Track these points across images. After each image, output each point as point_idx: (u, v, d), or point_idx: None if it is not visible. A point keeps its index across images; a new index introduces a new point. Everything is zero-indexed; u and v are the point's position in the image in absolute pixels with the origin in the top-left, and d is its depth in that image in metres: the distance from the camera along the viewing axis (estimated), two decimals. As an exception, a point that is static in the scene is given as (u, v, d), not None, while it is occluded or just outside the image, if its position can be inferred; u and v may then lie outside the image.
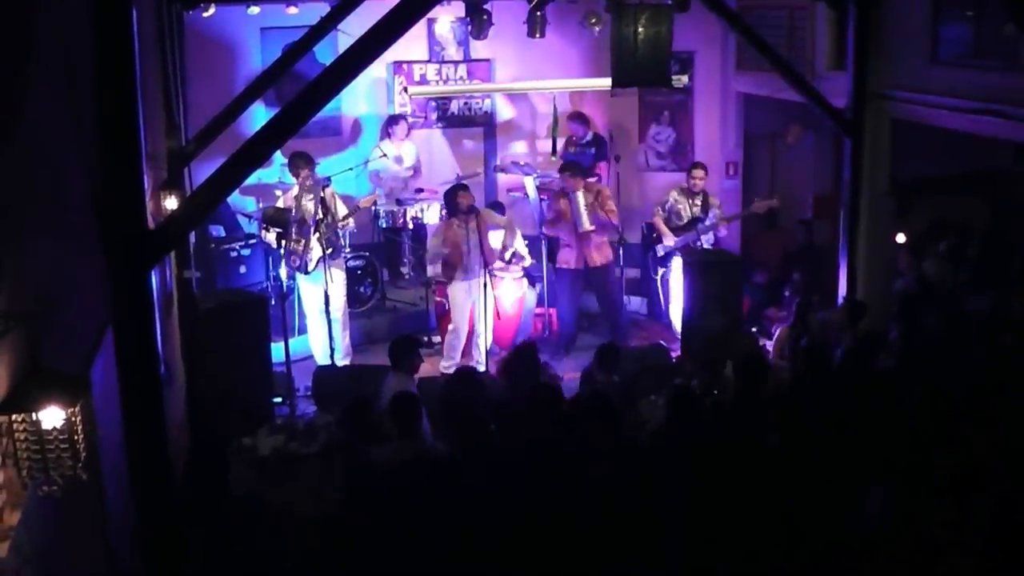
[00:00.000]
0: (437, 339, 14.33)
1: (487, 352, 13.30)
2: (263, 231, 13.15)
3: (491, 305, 13.30)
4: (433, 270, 13.46)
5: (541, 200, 15.35)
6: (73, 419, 4.93)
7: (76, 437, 4.97)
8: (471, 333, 13.47)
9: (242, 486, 8.34)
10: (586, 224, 13.77)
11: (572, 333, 14.36)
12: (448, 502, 7.46)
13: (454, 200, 13.11)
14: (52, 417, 4.88)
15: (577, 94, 16.58)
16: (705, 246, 14.47)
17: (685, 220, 14.54)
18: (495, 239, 13.64)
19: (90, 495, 5.93)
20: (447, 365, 13.25)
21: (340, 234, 13.57)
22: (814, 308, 12.53)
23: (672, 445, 8.39)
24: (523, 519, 7.28)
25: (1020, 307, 11.36)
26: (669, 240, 14.62)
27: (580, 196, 13.78)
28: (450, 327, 13.45)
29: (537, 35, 13.29)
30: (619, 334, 13.93)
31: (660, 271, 14.80)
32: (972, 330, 10.52)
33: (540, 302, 14.58)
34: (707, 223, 14.45)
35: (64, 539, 5.61)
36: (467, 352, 13.54)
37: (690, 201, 14.53)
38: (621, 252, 14.13)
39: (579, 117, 16.23)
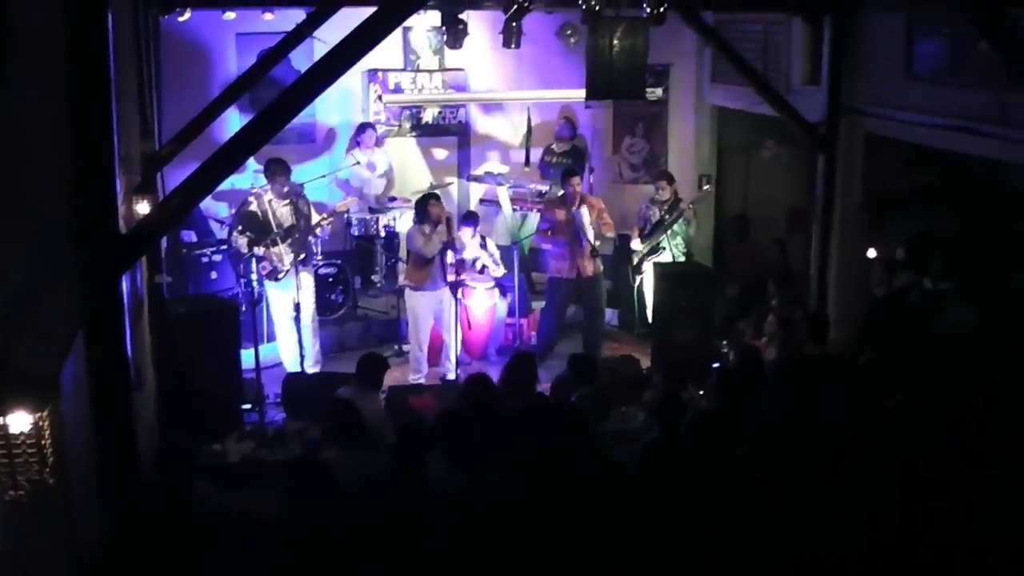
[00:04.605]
0: (407, 348, 14.33)
1: (457, 362, 13.28)
2: (235, 235, 13.11)
3: (461, 315, 13.32)
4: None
5: (516, 209, 15.39)
6: (41, 424, 4.89)
7: (44, 442, 4.93)
8: (441, 344, 13.46)
9: (209, 492, 8.28)
10: (592, 239, 13.76)
11: (552, 343, 14.33)
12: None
13: (424, 209, 13.09)
14: (20, 422, 4.84)
15: (553, 104, 16.59)
16: (673, 252, 14.52)
17: (653, 225, 14.56)
18: (467, 251, 13.67)
19: (57, 500, 5.89)
20: (416, 378, 13.26)
21: (313, 241, 13.56)
22: (796, 324, 12.53)
23: (665, 456, 8.41)
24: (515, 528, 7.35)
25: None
26: (636, 243, 14.66)
27: (585, 210, 13.76)
28: (412, 343, 13.47)
29: (513, 46, 13.30)
30: (593, 345, 13.93)
31: (637, 279, 14.80)
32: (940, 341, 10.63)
33: (511, 312, 14.57)
34: (667, 220, 14.44)
35: (30, 544, 5.57)
36: (438, 363, 13.54)
37: (659, 208, 14.54)
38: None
39: (567, 120, 16.24)
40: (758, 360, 10.87)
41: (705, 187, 15.27)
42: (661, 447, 8.59)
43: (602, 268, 14.16)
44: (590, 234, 13.72)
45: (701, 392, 11.06)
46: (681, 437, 8.53)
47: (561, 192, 14.08)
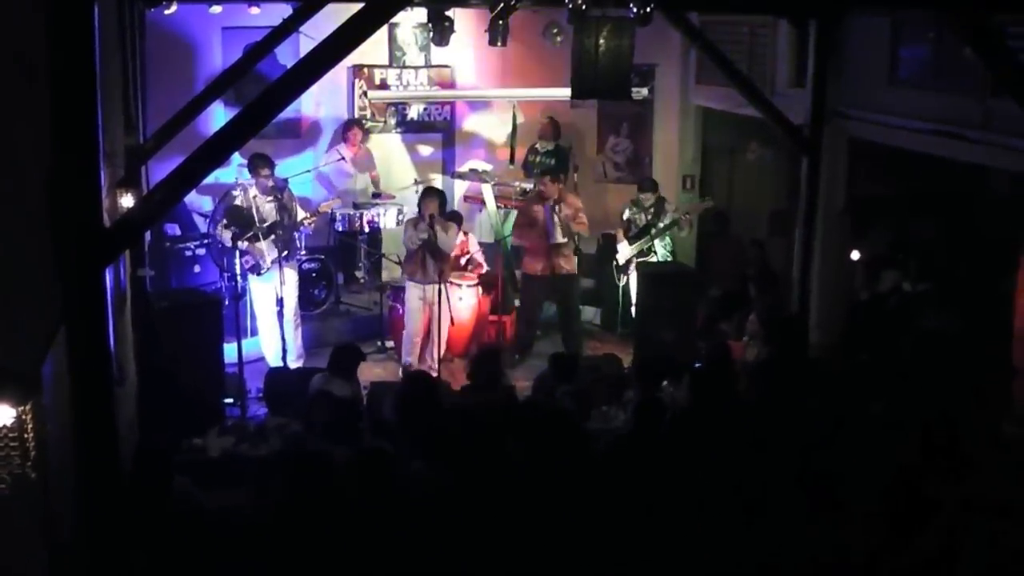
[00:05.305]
0: (390, 344, 14.33)
1: (440, 358, 13.29)
2: (220, 228, 13.11)
3: (446, 312, 13.35)
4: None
5: (500, 207, 15.38)
6: (24, 417, 4.89)
7: (26, 435, 4.93)
8: (426, 339, 13.49)
9: (188, 488, 8.27)
10: (559, 236, 13.79)
11: (530, 340, 14.37)
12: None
13: (419, 202, 13.23)
14: (2, 415, 4.84)
15: (539, 102, 16.58)
16: (660, 253, 14.58)
17: (640, 228, 14.61)
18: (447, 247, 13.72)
19: (36, 493, 5.88)
20: (405, 363, 13.30)
21: (296, 236, 13.56)
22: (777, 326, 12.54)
23: (636, 454, 8.43)
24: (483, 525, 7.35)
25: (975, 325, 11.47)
26: (624, 246, 14.70)
27: (555, 207, 13.80)
28: (404, 331, 13.50)
29: (499, 43, 13.30)
30: (573, 344, 13.95)
31: (623, 279, 14.83)
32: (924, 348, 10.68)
33: (494, 309, 14.59)
34: (660, 226, 14.50)
35: (8, 537, 5.56)
36: (421, 358, 13.55)
37: (643, 211, 14.59)
38: (576, 262, 14.13)
39: (551, 120, 16.23)
40: (727, 359, 10.93)
41: (707, 200, 15.29)
42: (630, 442, 8.62)
43: (576, 266, 14.20)
44: (557, 231, 13.76)
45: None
46: (657, 436, 8.55)
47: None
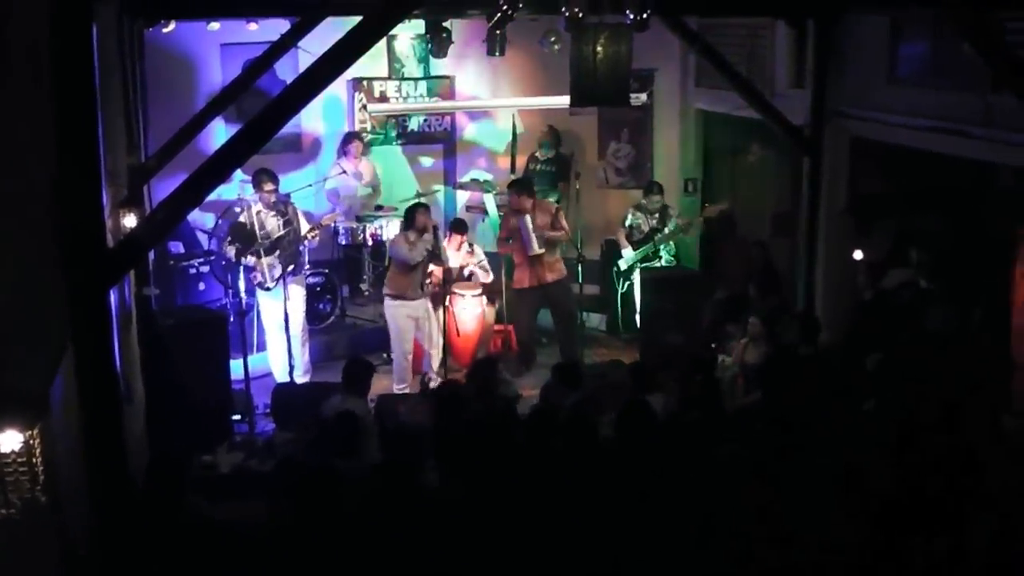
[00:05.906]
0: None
1: (444, 369, 13.29)
2: (225, 244, 13.12)
3: (445, 323, 13.38)
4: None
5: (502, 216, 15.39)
6: (32, 441, 4.88)
7: (35, 459, 4.92)
8: (422, 354, 13.50)
9: (199, 505, 8.27)
10: (535, 247, 13.77)
11: (531, 351, 14.36)
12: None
13: (411, 217, 13.16)
14: (10, 440, 4.83)
15: (538, 111, 16.58)
16: (664, 258, 14.60)
17: (645, 233, 14.61)
18: (453, 259, 13.71)
19: (47, 514, 5.88)
20: (401, 388, 13.27)
21: (302, 250, 13.56)
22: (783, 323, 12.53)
23: (620, 457, 8.41)
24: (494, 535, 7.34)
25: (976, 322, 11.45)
26: (628, 252, 14.70)
27: (528, 219, 13.76)
28: (393, 354, 13.56)
29: (497, 53, 13.31)
30: (571, 350, 13.95)
31: (624, 284, 14.81)
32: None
33: (499, 319, 14.58)
34: (665, 232, 14.51)
35: (20, 559, 5.55)
36: (419, 371, 13.56)
37: (648, 216, 14.60)
38: (580, 269, 14.12)
39: (550, 128, 16.23)
40: (711, 365, 10.98)
41: (723, 202, 15.27)
42: (614, 447, 8.62)
43: (565, 271, 14.19)
44: (534, 243, 13.76)
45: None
46: (644, 440, 8.52)
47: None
